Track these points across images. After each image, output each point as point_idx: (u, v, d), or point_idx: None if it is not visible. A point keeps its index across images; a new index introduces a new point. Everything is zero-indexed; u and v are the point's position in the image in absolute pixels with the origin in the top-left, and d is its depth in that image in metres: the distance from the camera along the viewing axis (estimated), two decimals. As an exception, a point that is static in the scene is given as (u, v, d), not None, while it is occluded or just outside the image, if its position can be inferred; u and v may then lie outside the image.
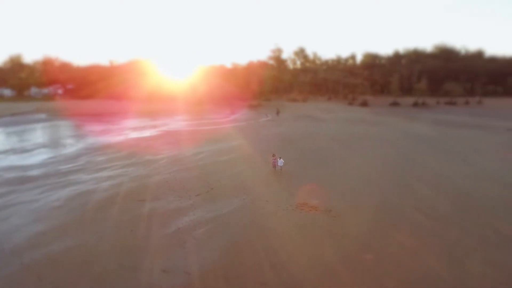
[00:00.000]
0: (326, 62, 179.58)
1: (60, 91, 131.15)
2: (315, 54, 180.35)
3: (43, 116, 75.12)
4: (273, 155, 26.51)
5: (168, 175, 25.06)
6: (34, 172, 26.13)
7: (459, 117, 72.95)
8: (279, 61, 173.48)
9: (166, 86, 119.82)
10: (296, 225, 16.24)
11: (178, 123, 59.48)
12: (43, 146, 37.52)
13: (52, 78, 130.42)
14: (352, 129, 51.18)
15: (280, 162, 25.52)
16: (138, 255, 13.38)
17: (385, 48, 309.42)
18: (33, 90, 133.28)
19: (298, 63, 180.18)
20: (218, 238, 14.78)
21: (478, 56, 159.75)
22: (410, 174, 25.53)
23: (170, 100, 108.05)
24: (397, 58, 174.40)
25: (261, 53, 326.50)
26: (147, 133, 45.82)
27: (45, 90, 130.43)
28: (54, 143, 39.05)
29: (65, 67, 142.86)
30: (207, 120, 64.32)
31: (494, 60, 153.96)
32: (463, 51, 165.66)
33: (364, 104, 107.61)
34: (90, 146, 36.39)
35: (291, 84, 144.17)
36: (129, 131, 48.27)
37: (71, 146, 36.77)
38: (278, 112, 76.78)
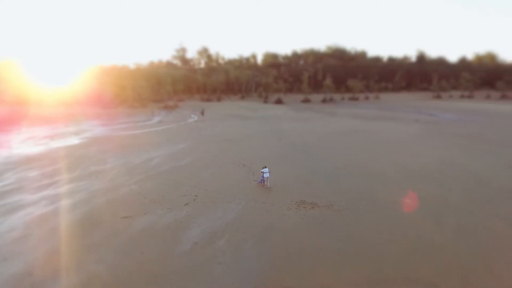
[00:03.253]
0: (229, 62, 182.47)
1: None
2: (217, 54, 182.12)
3: None
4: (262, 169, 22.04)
5: (135, 186, 22.32)
6: None
7: (369, 111, 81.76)
8: (184, 61, 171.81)
9: (58, 88, 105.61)
10: (311, 221, 16.09)
11: (99, 128, 53.26)
12: None
13: None
14: (289, 126, 53.03)
15: (266, 172, 21.47)
16: (174, 280, 11.59)
17: (283, 48, 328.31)
18: None
19: (203, 63, 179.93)
20: (248, 246, 13.78)
21: (362, 55, 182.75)
22: (380, 163, 27.69)
23: (68, 104, 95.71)
24: (296, 57, 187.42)
25: (163, 54, 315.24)
26: (71, 141, 39.89)
27: None
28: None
29: None
30: (131, 124, 59.19)
31: (378, 59, 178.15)
32: (352, 52, 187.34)
33: (279, 101, 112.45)
34: (7, 160, 30.07)
35: (204, 84, 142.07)
36: (45, 140, 41.28)
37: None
38: (203, 112, 75.05)
